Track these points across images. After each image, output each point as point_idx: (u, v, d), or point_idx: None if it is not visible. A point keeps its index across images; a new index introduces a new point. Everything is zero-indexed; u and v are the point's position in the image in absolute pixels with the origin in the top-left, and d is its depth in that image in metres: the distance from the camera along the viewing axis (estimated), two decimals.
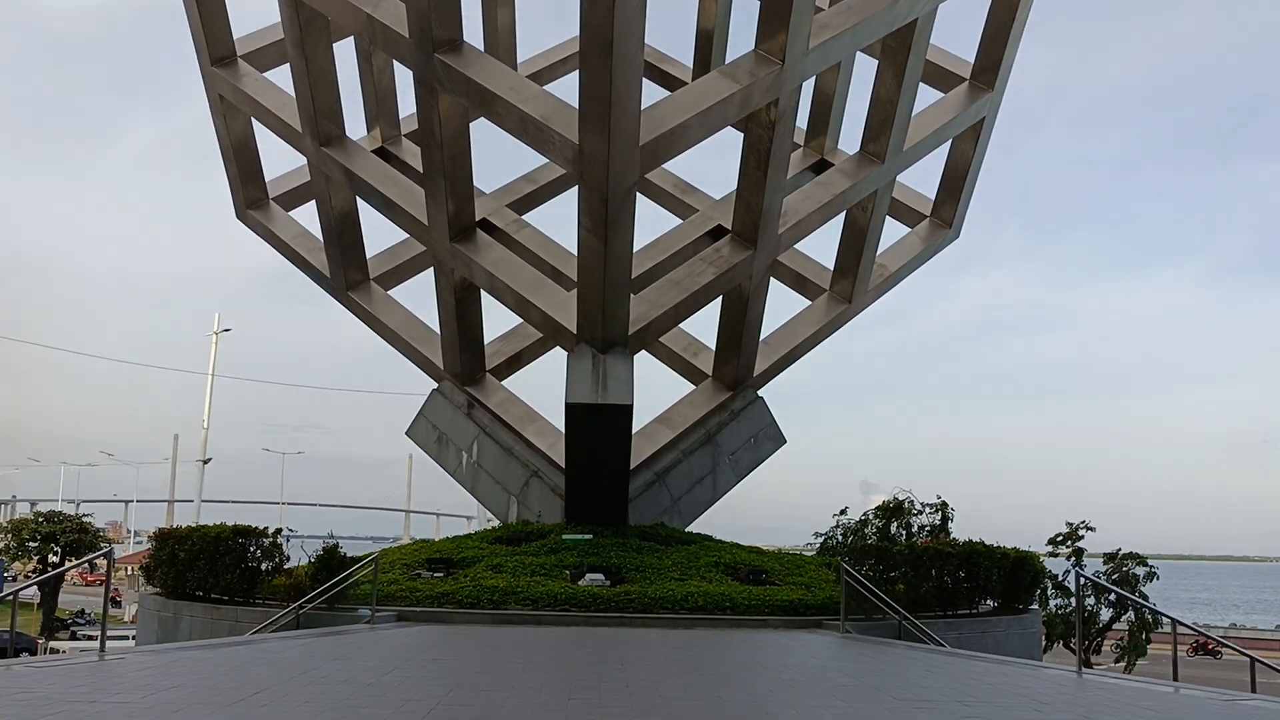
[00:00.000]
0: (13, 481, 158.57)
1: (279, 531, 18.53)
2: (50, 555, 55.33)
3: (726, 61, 25.44)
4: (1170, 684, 11.46)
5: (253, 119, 26.39)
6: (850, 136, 28.59)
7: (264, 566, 18.21)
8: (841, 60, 26.04)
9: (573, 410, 20.65)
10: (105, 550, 16.70)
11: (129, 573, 72.68)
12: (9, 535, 56.16)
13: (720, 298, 23.81)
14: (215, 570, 17.99)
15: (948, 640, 16.36)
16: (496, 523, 26.41)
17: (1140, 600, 36.41)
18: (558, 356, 26.68)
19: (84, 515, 62.19)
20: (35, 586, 60.50)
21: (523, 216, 28.85)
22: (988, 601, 20.23)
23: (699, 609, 17.81)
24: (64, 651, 42.78)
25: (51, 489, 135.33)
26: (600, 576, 19.15)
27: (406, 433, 26.36)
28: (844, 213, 25.33)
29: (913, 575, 18.71)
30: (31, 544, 55.32)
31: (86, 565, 60.74)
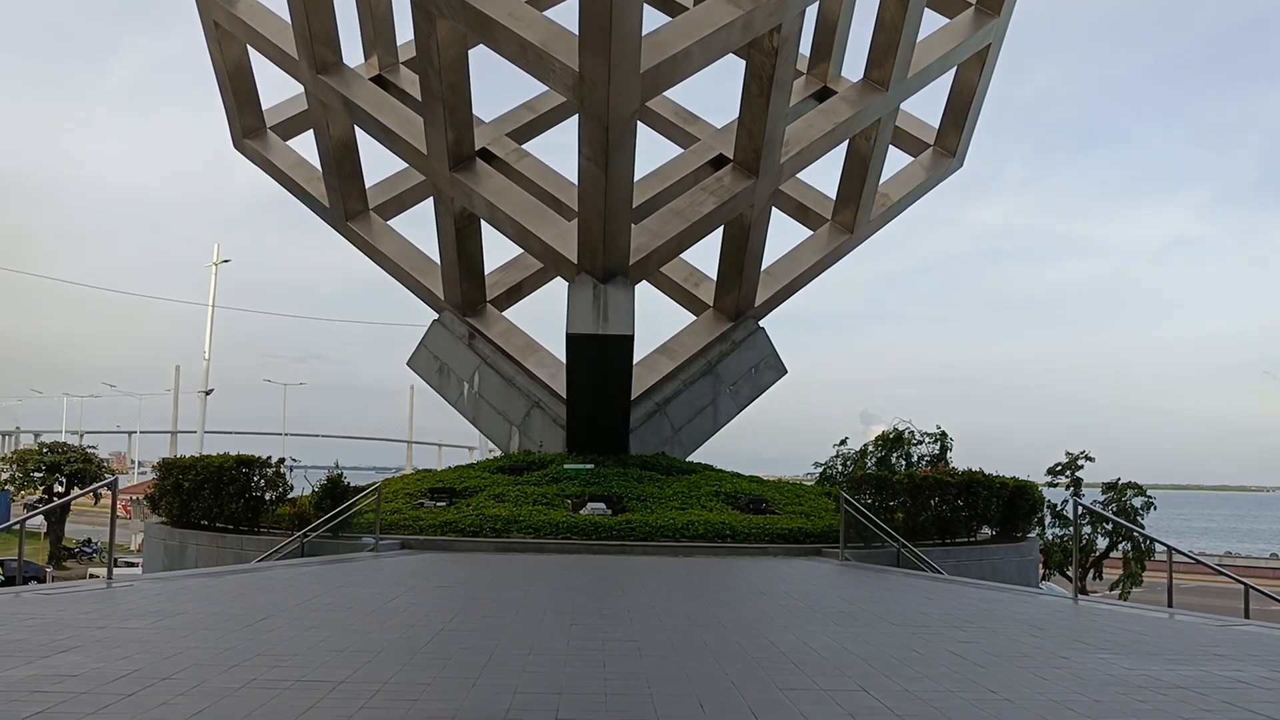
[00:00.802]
0: (15, 413, 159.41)
1: (281, 461, 18.67)
2: (55, 485, 55.80)
3: None
4: (1164, 610, 11.59)
5: (249, 46, 26.05)
6: (854, 63, 28.26)
7: (268, 496, 18.34)
8: None
9: (573, 341, 20.64)
10: (109, 480, 16.82)
11: (133, 500, 73.27)
12: (14, 466, 56.59)
13: (721, 227, 23.69)
14: (219, 499, 18.13)
15: (945, 568, 16.53)
16: (499, 453, 26.55)
17: (1136, 528, 36.77)
18: (558, 286, 26.75)
19: (88, 446, 62.62)
20: (42, 516, 61.19)
21: (523, 146, 28.57)
22: (986, 530, 20.42)
23: (699, 537, 17.97)
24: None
25: (55, 420, 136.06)
26: (602, 505, 19.30)
27: (408, 363, 26.40)
28: (847, 141, 25.08)
29: (911, 504, 18.85)
30: (36, 474, 55.78)
31: (92, 494, 61.35)
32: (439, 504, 19.49)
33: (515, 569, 14.43)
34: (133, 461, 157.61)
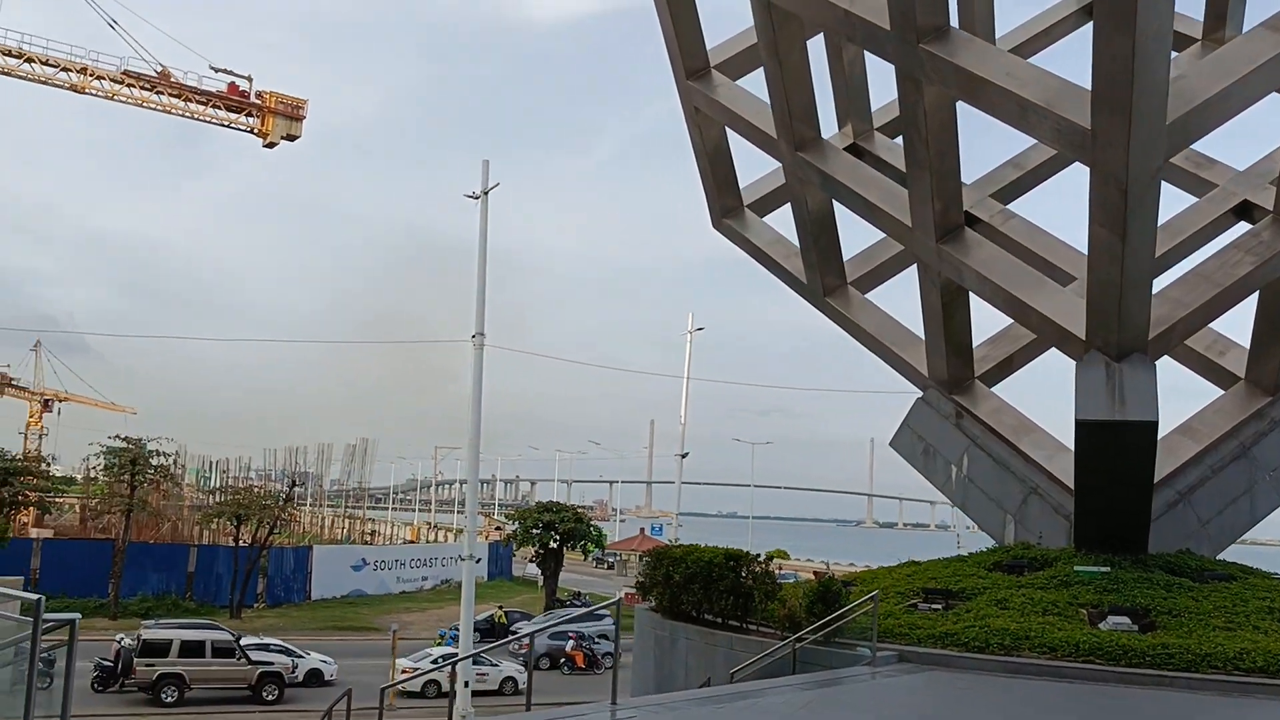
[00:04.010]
0: (516, 465, 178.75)
1: (771, 559, 18.05)
2: (550, 542, 60.44)
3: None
4: None
5: (727, 128, 26.37)
6: None
7: (755, 594, 17.78)
8: None
9: (1084, 428, 18.32)
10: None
11: (617, 557, 77.79)
12: (516, 523, 62.10)
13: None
14: (709, 595, 17.84)
15: None
16: (974, 529, 24.50)
17: None
18: (1050, 360, 24.35)
19: (580, 506, 67.58)
20: (537, 566, 66.49)
21: (1008, 206, 26.58)
22: None
23: (1258, 670, 14.92)
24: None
25: (546, 470, 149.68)
26: (1125, 620, 16.76)
27: (890, 444, 25.15)
28: None
29: None
30: (534, 531, 60.75)
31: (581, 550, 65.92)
32: (934, 607, 17.94)
33: (1033, 700, 12.56)
34: (613, 509, 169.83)
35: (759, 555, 18.16)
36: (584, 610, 51.14)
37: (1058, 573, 19.02)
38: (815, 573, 43.99)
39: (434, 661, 38.24)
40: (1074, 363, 19.14)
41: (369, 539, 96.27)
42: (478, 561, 37.35)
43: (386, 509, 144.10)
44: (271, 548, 59.22)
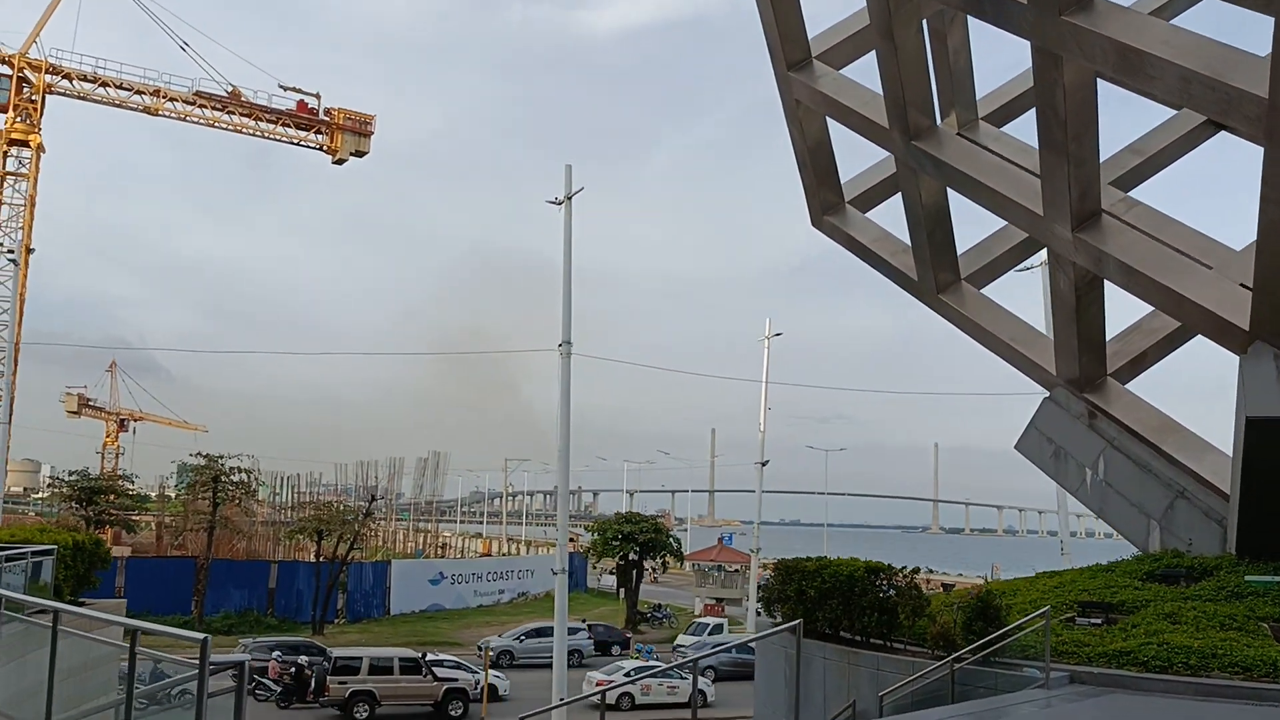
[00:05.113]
0: (581, 476, 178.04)
1: (916, 571, 16.86)
2: (630, 553, 59.43)
3: None
4: None
5: (827, 120, 25.26)
6: None
7: (900, 610, 16.58)
8: None
9: (1253, 426, 16.94)
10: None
11: (694, 567, 76.54)
12: (594, 534, 61.17)
13: None
14: (849, 611, 16.67)
15: None
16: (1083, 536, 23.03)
17: None
18: (1184, 354, 22.99)
19: (656, 515, 66.52)
20: (616, 579, 65.47)
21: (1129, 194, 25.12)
22: None
23: None
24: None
25: (606, 479, 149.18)
26: None
27: (1016, 446, 23.79)
28: None
29: None
30: (614, 543, 59.77)
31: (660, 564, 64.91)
32: (1094, 622, 16.61)
33: None
34: (676, 519, 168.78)
35: (903, 568, 16.96)
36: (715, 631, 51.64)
37: (1224, 583, 17.57)
38: (943, 585, 42.50)
39: (626, 675, 38.95)
40: (1197, 358, 17.81)
41: (441, 552, 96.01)
42: (564, 572, 36.76)
43: (454, 522, 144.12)
44: (351, 563, 58.85)
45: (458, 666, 40.07)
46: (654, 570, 68.51)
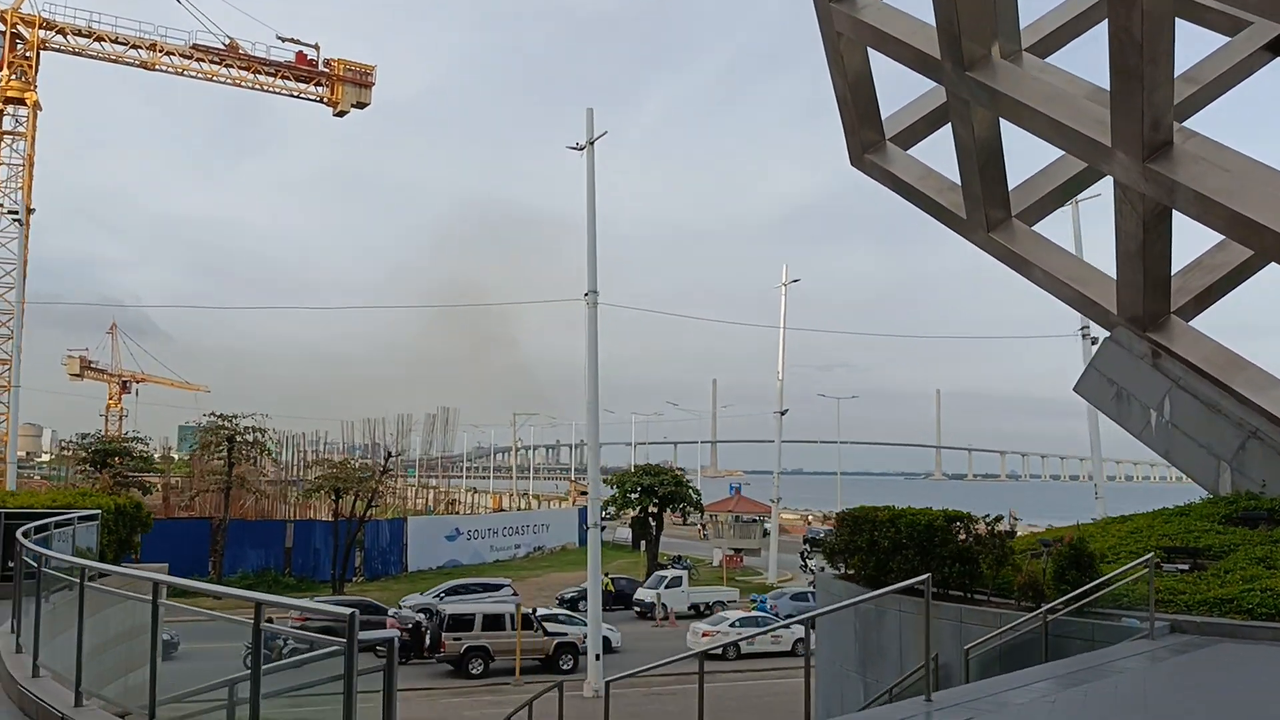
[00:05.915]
0: (580, 430, 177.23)
1: (1000, 519, 16.17)
2: (650, 505, 58.93)
3: None
4: None
5: (871, 53, 24.27)
6: None
7: (981, 560, 15.92)
8: None
9: None
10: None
11: (710, 518, 76.11)
12: (614, 488, 60.64)
13: None
14: (927, 561, 15.99)
15: None
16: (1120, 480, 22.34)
17: None
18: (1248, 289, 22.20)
19: (679, 468, 66.02)
20: (630, 531, 64.94)
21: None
22: None
23: None
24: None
25: (610, 433, 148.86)
26: None
27: (1075, 388, 23.09)
28: None
29: None
30: (633, 495, 59.26)
31: (680, 515, 64.34)
32: (1181, 569, 15.96)
33: None
34: (680, 470, 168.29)
35: (985, 516, 16.31)
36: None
37: None
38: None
39: (732, 625, 39.60)
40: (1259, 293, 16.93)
41: (450, 508, 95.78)
42: (596, 527, 36.57)
43: (460, 477, 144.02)
44: (368, 521, 58.42)
45: (569, 620, 40.64)
46: (693, 521, 68.08)
